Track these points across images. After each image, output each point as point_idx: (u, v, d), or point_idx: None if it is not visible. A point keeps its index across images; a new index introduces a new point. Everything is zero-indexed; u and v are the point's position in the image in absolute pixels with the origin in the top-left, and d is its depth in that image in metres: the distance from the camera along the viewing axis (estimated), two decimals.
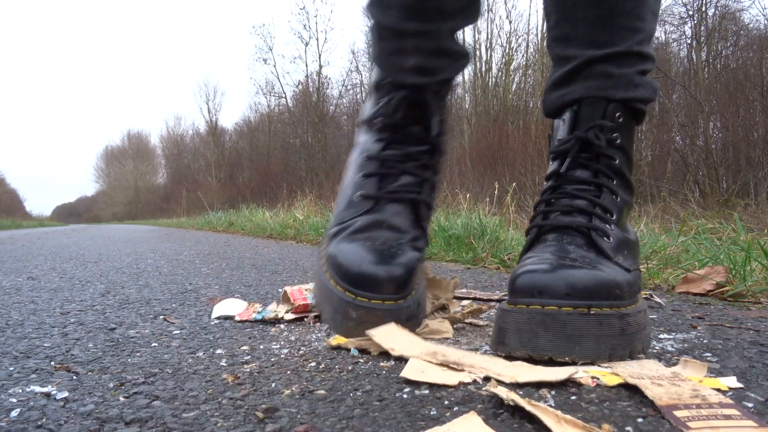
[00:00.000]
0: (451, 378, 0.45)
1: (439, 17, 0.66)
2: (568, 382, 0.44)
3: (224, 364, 0.53)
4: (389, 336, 0.56)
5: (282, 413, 0.40)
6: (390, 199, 0.66)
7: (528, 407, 0.36)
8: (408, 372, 0.46)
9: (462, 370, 0.47)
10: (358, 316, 0.58)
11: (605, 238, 0.57)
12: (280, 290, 0.85)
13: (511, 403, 0.38)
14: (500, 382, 0.44)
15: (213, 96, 28.86)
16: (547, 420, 0.35)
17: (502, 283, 1.15)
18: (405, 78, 0.67)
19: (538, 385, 0.44)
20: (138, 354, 0.58)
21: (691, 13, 8.88)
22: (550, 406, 0.40)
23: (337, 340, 0.59)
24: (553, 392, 0.42)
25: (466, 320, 0.71)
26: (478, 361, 0.49)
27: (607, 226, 0.58)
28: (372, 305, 0.57)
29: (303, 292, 0.79)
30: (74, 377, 0.50)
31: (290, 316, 0.76)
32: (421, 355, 0.50)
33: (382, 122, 0.68)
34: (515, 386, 0.44)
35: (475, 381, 0.45)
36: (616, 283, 0.51)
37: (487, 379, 0.45)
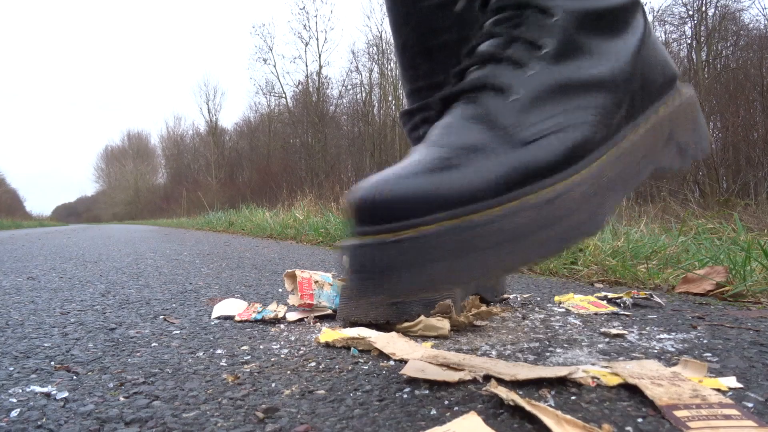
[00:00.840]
0: (451, 376, 0.45)
1: (437, 90, 0.70)
2: (568, 382, 0.44)
3: (224, 364, 0.53)
4: (390, 342, 0.56)
5: (282, 413, 0.40)
6: None
7: (528, 407, 0.36)
8: (408, 370, 0.47)
9: (462, 370, 0.47)
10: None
11: (508, 97, 0.41)
12: (288, 270, 0.85)
13: (511, 403, 0.38)
14: (500, 381, 0.44)
15: (213, 96, 28.84)
16: (547, 420, 0.35)
17: None
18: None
19: (538, 382, 0.44)
20: (138, 354, 0.58)
21: (691, 13, 8.89)
22: (550, 406, 0.40)
23: (325, 336, 0.60)
24: (553, 392, 0.42)
25: (473, 322, 0.70)
26: (479, 363, 0.49)
27: (521, 71, 0.42)
28: None
29: (312, 286, 0.78)
30: (74, 377, 0.50)
31: (292, 315, 0.76)
32: (422, 358, 0.50)
33: None
34: (515, 385, 0.44)
35: (475, 380, 0.45)
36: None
37: (487, 378, 0.45)
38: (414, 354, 0.52)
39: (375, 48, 14.66)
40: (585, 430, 0.34)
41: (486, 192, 0.37)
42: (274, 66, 24.03)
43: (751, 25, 8.57)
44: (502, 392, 0.39)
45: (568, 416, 0.35)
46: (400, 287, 0.37)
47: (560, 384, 0.44)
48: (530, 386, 0.44)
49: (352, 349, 0.57)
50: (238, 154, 20.33)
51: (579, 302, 0.85)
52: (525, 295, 0.90)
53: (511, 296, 0.93)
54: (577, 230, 0.40)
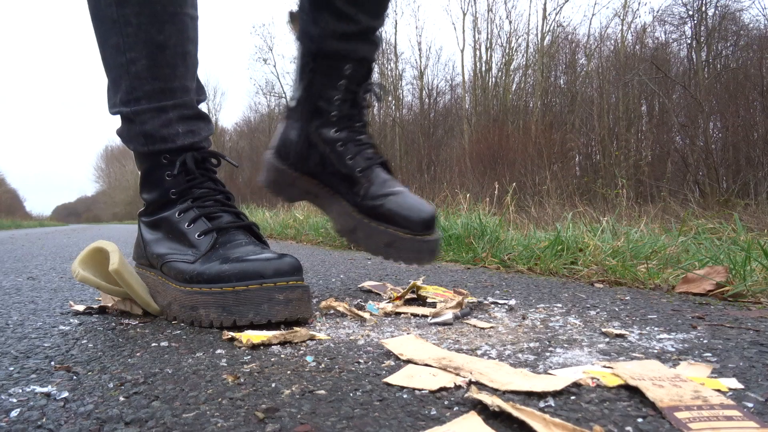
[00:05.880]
0: (434, 384, 0.44)
1: (186, 92, 0.82)
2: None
3: (224, 364, 0.53)
4: (401, 344, 0.57)
5: (282, 413, 0.40)
6: (228, 229, 0.77)
7: (514, 412, 0.36)
8: (392, 378, 0.46)
9: (457, 375, 0.46)
10: (284, 296, 0.68)
11: None
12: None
13: (497, 409, 0.37)
14: (483, 386, 0.44)
15: (213, 96, 28.75)
16: (535, 424, 0.34)
17: (503, 282, 1.15)
18: (182, 141, 0.80)
19: (528, 394, 0.42)
20: (138, 354, 0.58)
21: (691, 13, 8.89)
22: (550, 406, 0.40)
23: (258, 338, 0.60)
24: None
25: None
26: (480, 367, 0.48)
27: None
28: (292, 285, 0.69)
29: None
30: (74, 377, 0.50)
31: None
32: (428, 359, 0.50)
33: (180, 188, 0.80)
34: (500, 393, 0.43)
35: (458, 386, 0.44)
36: None
37: (476, 383, 0.45)
38: (422, 355, 0.52)
39: None
40: None
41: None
42: (274, 66, 23.97)
43: (751, 25, 8.56)
44: (486, 398, 0.39)
45: (557, 419, 0.35)
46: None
47: (556, 394, 0.44)
48: (516, 394, 0.43)
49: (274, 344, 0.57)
50: (238, 154, 20.31)
51: (438, 290, 0.93)
52: (473, 299, 0.88)
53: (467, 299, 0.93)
54: None
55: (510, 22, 13.62)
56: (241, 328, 0.67)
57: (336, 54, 0.81)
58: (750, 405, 0.39)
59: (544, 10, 11.36)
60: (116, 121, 0.85)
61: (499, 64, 12.10)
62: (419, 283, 0.91)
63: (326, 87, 0.82)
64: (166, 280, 0.77)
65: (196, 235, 0.76)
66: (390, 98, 13.69)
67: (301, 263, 0.72)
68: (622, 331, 0.64)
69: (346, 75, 0.81)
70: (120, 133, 0.84)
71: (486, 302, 0.87)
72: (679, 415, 0.37)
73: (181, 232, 0.78)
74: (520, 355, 0.55)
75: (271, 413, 0.39)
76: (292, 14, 0.84)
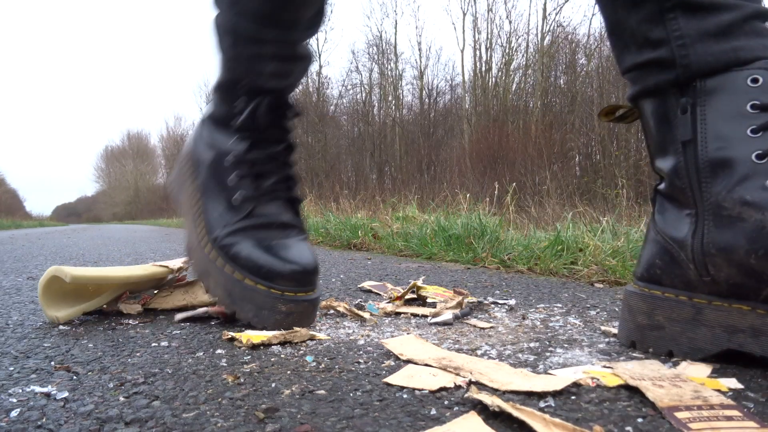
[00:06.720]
0: (434, 384, 0.45)
1: (294, 27, 0.70)
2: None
3: (224, 364, 0.53)
4: (401, 344, 0.57)
5: (282, 413, 0.40)
6: (270, 198, 0.72)
7: (514, 412, 0.36)
8: (392, 378, 0.46)
9: (457, 375, 0.46)
10: (287, 308, 0.66)
11: None
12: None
13: (497, 409, 0.37)
14: (483, 386, 0.44)
15: None
16: (535, 424, 0.34)
17: (503, 282, 1.15)
18: (264, 83, 0.71)
19: (528, 394, 0.42)
20: (138, 354, 0.58)
21: None
22: (550, 406, 0.40)
23: (258, 338, 0.60)
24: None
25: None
26: (480, 367, 0.48)
27: None
28: (298, 298, 0.66)
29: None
30: (74, 377, 0.50)
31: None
32: (428, 359, 0.50)
33: (242, 124, 0.72)
34: (500, 393, 0.43)
35: (458, 386, 0.44)
36: None
37: (476, 383, 0.45)
38: (421, 355, 0.52)
39: (375, 48, 14.67)
40: None
41: None
42: None
43: None
44: (486, 398, 0.39)
45: (557, 419, 0.35)
46: None
47: (556, 394, 0.44)
48: (516, 394, 0.43)
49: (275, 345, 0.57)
50: None
51: (438, 291, 0.93)
52: (473, 299, 0.88)
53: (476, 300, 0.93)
54: None
55: (510, 22, 13.64)
56: (241, 328, 0.67)
57: (700, 68, 0.51)
58: (750, 405, 0.40)
59: (544, 10, 11.37)
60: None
61: (499, 64, 12.11)
62: (419, 283, 0.91)
63: (722, 122, 0.50)
64: (197, 228, 0.74)
65: (234, 197, 0.71)
66: (390, 98, 13.71)
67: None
68: None
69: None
70: (217, 24, 0.73)
71: (486, 302, 0.87)
72: (679, 415, 0.37)
73: (224, 182, 0.72)
74: (520, 355, 0.55)
75: (271, 413, 0.39)
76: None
